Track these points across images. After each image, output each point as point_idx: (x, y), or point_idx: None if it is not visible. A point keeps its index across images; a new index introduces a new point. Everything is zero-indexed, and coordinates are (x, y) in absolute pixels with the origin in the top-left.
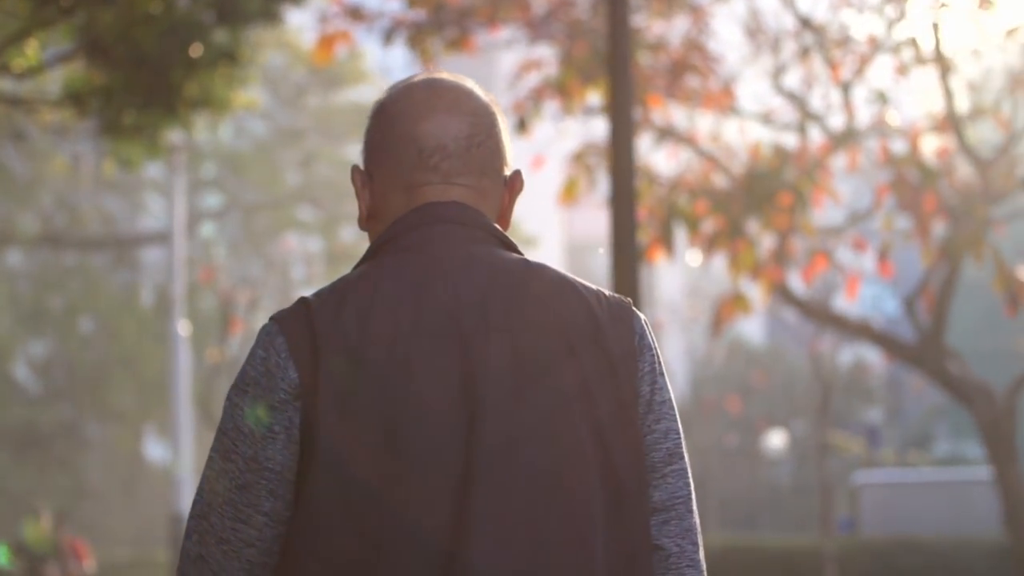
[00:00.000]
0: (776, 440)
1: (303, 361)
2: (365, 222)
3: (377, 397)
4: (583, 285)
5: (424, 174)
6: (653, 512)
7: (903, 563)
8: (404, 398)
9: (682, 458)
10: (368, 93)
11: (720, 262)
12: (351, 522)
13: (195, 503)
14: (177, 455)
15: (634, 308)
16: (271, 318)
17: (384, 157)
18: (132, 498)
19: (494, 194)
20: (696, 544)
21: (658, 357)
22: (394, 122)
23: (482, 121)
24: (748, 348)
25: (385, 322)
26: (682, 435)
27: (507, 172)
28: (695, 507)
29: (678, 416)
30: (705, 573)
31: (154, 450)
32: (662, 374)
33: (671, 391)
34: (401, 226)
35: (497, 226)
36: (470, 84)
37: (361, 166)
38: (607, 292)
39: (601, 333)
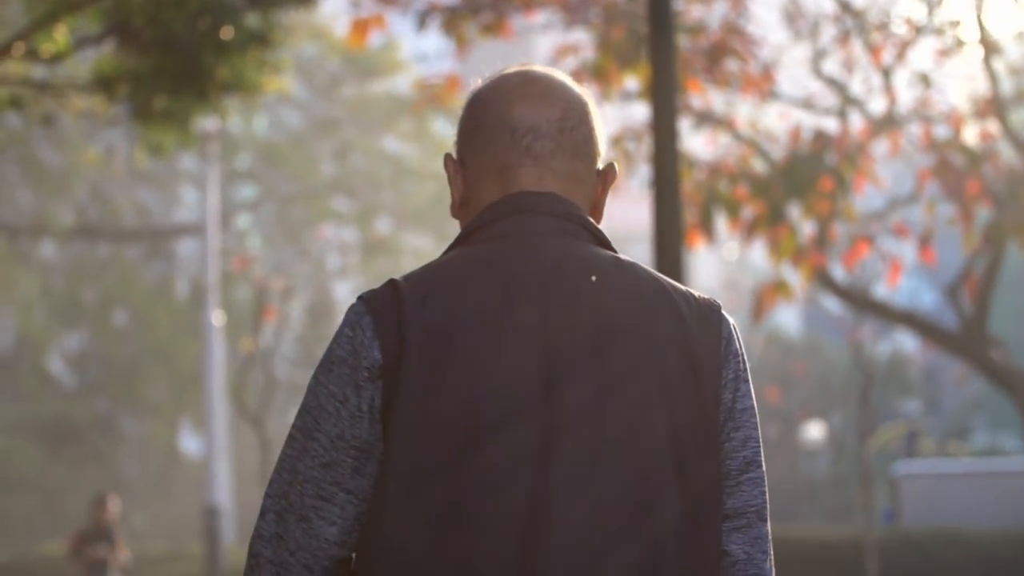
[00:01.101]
0: (814, 431)
1: (388, 342)
2: (457, 209)
3: (459, 382)
4: (673, 286)
5: (517, 156)
6: (725, 518)
7: (945, 556)
8: (486, 386)
9: (759, 467)
10: (403, 83)
11: (758, 252)
12: (421, 503)
13: (272, 482)
14: (211, 447)
15: (723, 312)
16: (359, 297)
17: (477, 141)
18: (167, 492)
19: (587, 181)
20: (766, 552)
21: (744, 363)
22: (487, 107)
23: (575, 108)
24: (785, 339)
25: (472, 309)
26: (761, 443)
27: (600, 164)
28: (768, 516)
29: (759, 424)
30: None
31: (189, 443)
32: (746, 380)
33: (753, 398)
34: (494, 213)
35: (590, 219)
36: (562, 75)
37: (454, 155)
38: (697, 294)
39: (688, 337)
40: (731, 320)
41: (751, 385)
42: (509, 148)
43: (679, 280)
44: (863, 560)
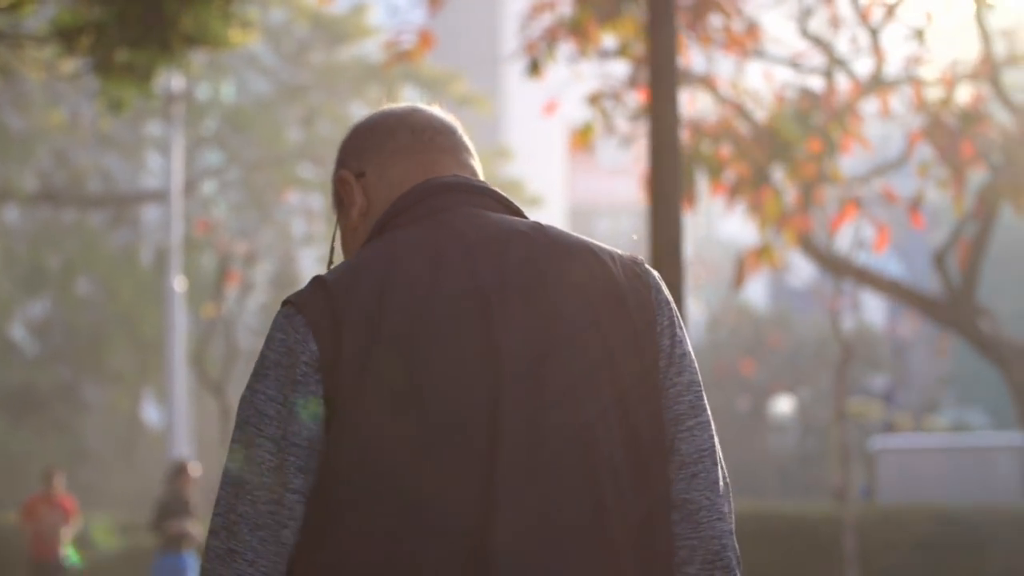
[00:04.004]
0: (784, 405)
1: (324, 335)
2: (356, 224)
3: (400, 368)
4: (598, 246)
5: (422, 148)
6: (681, 466)
7: (922, 530)
8: (427, 368)
9: (705, 410)
10: (372, 49)
11: (728, 225)
12: (376, 494)
13: (218, 501)
14: (172, 415)
15: (647, 265)
16: (286, 301)
17: (375, 148)
18: (129, 461)
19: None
20: (723, 497)
21: (675, 311)
22: (379, 122)
23: (457, 125)
24: (755, 313)
25: (404, 292)
26: (703, 387)
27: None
28: (720, 459)
29: (698, 369)
30: (733, 524)
31: (152, 413)
32: (681, 327)
33: (689, 345)
34: (408, 199)
35: (502, 192)
36: None
37: (345, 173)
38: (619, 251)
39: (621, 294)
40: (655, 272)
41: (686, 332)
42: (410, 146)
43: (677, 252)
44: (839, 535)
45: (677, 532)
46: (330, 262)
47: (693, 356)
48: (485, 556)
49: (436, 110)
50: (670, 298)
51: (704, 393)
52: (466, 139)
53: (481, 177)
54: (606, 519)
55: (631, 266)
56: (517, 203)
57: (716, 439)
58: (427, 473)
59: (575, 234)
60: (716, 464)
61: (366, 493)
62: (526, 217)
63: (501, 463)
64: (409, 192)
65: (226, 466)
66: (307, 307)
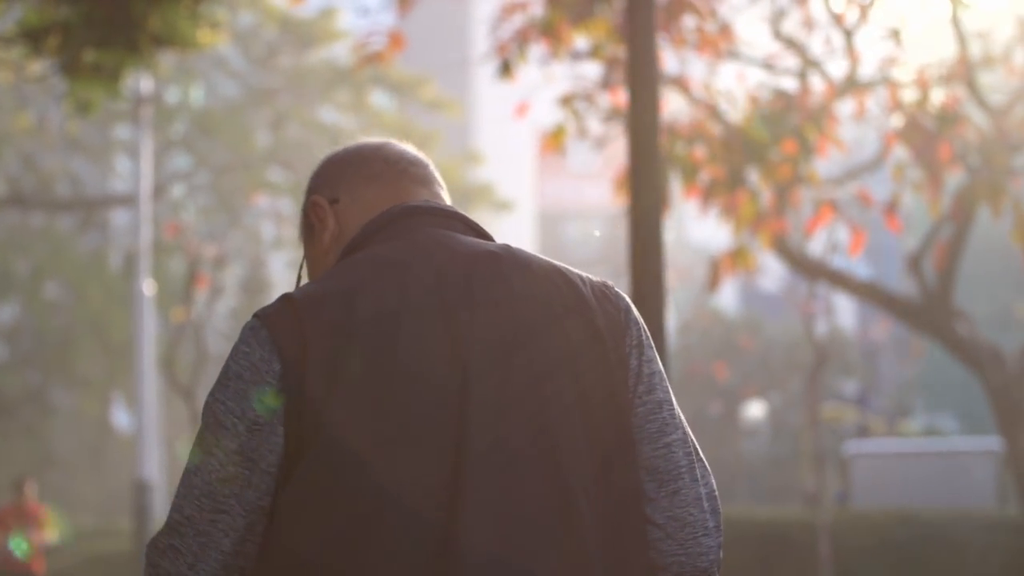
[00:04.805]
0: (755, 410)
1: (289, 351)
2: (328, 248)
3: (367, 376)
4: (568, 268)
5: (395, 176)
6: (661, 483)
7: (897, 535)
8: (393, 374)
9: (679, 427)
10: (341, 52)
11: (697, 230)
12: (344, 498)
13: (175, 497)
14: (141, 420)
15: (617, 289)
16: (254, 315)
17: (350, 176)
18: (98, 466)
19: None
20: (707, 512)
21: (645, 331)
22: (354, 151)
23: (427, 159)
24: (725, 318)
25: (370, 302)
26: (676, 405)
27: None
28: (700, 474)
29: (670, 388)
30: (721, 537)
31: (121, 418)
32: (650, 347)
33: (660, 364)
34: (378, 222)
35: (471, 219)
36: None
37: (318, 199)
38: (590, 275)
39: (585, 304)
40: (625, 296)
41: (655, 352)
42: (385, 171)
43: (658, 257)
44: (814, 541)
45: (664, 549)
46: (297, 285)
47: (664, 375)
48: (451, 550)
49: (408, 145)
50: (640, 320)
51: (678, 410)
52: (437, 174)
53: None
54: (572, 513)
55: (601, 288)
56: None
57: (697, 453)
58: (393, 472)
59: (544, 257)
60: (696, 480)
61: (332, 496)
62: (492, 239)
63: (467, 462)
64: (380, 215)
65: (185, 467)
66: (273, 324)
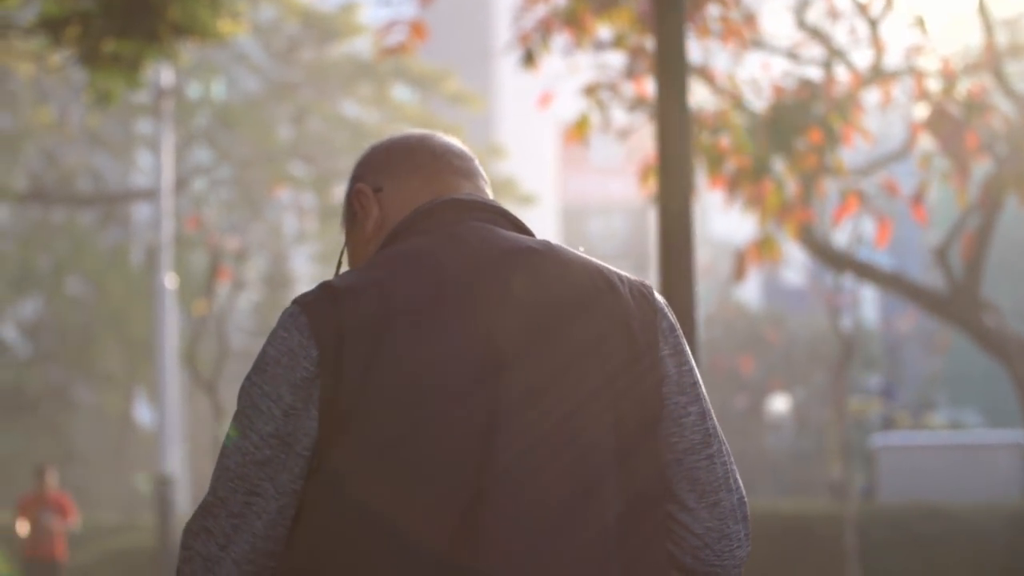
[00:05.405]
0: (780, 404)
1: (326, 337)
2: (370, 236)
3: (401, 367)
4: (606, 267)
5: (439, 168)
6: (702, 495)
7: (922, 529)
8: (427, 366)
9: (718, 438)
10: (362, 46)
11: (720, 223)
12: (374, 484)
13: (211, 481)
14: (163, 415)
15: (656, 292)
16: (293, 301)
17: (396, 165)
18: (120, 462)
19: None
20: (740, 521)
21: (681, 336)
22: (401, 141)
23: (472, 153)
24: (748, 311)
25: (407, 294)
26: (713, 415)
27: None
28: (734, 482)
29: (705, 395)
30: (749, 547)
31: (143, 413)
32: (687, 353)
33: (697, 371)
34: (420, 213)
35: (512, 213)
36: None
37: (363, 186)
38: (627, 274)
39: (622, 305)
40: (662, 298)
41: (692, 359)
42: (431, 162)
43: (688, 252)
44: (840, 534)
45: (702, 557)
46: (337, 272)
47: (701, 383)
48: (475, 537)
49: (454, 138)
50: (676, 325)
51: (715, 418)
52: (481, 168)
53: None
54: (594, 503)
55: (638, 288)
56: (520, 216)
57: (731, 459)
58: (424, 462)
59: (583, 254)
60: (732, 491)
61: (362, 481)
62: (533, 234)
63: (495, 458)
64: (422, 206)
65: (220, 451)
66: (313, 311)
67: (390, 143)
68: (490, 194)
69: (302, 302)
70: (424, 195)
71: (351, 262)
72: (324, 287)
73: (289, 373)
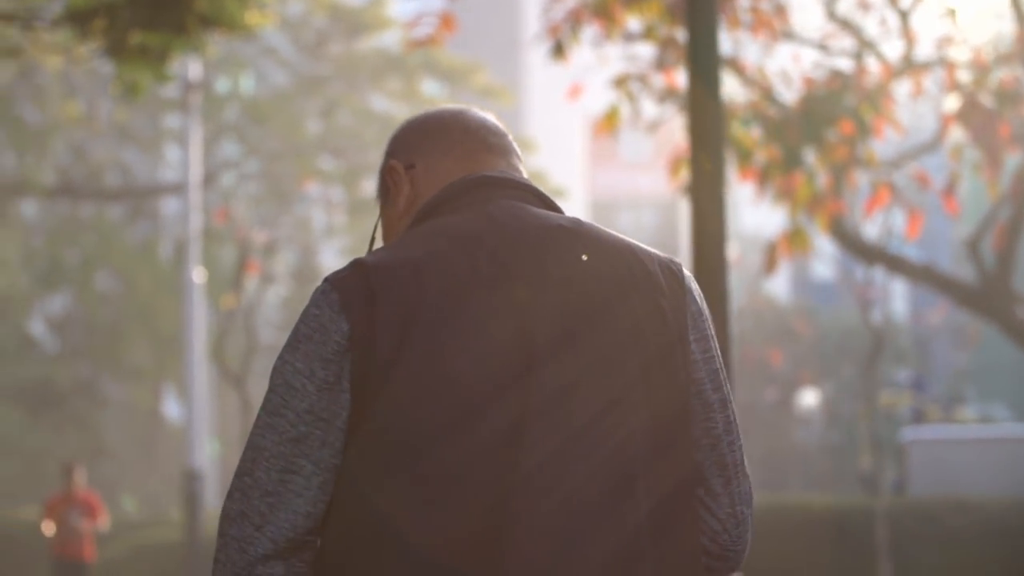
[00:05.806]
0: (809, 398)
1: (357, 314)
2: (402, 213)
3: (434, 345)
4: (637, 245)
5: (474, 145)
6: (727, 480)
7: (953, 522)
8: (460, 345)
9: (736, 425)
10: (391, 40)
11: (747, 216)
12: (406, 463)
13: (239, 463)
14: (192, 409)
15: (685, 269)
16: (325, 279)
17: (428, 142)
18: (149, 457)
19: None
20: (748, 506)
21: (709, 321)
22: (434, 117)
23: (506, 129)
24: (778, 305)
25: (440, 273)
26: (732, 401)
27: None
28: (745, 467)
29: (727, 381)
30: (751, 530)
31: (171, 408)
32: (713, 340)
33: (720, 358)
34: (452, 189)
35: (544, 191)
36: None
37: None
38: (658, 252)
39: (653, 283)
40: (691, 276)
41: (716, 344)
42: (464, 139)
43: (720, 245)
44: (871, 528)
45: (721, 542)
46: (370, 248)
47: (723, 369)
48: (505, 524)
49: (489, 114)
50: (704, 307)
51: (734, 406)
52: (516, 145)
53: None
54: (628, 496)
55: (668, 266)
56: (554, 200)
57: (742, 450)
58: (454, 446)
59: (614, 232)
60: (746, 476)
61: (396, 461)
62: (565, 214)
63: (528, 439)
64: (454, 183)
65: (251, 433)
66: (343, 286)
67: (424, 118)
68: (523, 171)
69: (333, 279)
70: (456, 172)
71: (385, 238)
72: (355, 264)
73: (320, 348)
